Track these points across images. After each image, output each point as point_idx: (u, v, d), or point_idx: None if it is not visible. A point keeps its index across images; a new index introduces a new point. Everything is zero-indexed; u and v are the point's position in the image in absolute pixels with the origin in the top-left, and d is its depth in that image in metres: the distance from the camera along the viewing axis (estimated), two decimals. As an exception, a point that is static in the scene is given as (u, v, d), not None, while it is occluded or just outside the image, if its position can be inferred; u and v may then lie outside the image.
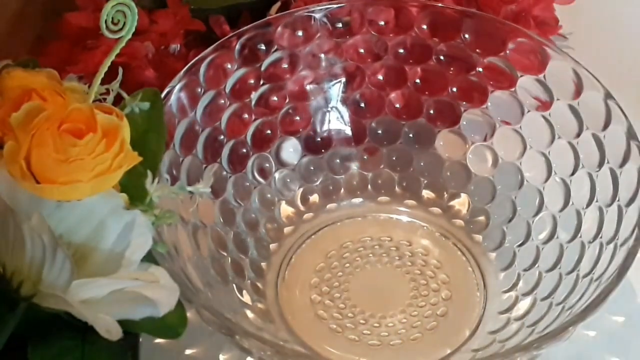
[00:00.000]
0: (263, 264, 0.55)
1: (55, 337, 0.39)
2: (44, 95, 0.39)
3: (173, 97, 0.51)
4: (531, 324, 0.49)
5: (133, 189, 0.39)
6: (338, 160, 0.59)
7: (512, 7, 0.60)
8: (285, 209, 0.57)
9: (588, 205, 0.51)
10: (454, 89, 0.58)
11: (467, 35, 0.56)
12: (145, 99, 0.42)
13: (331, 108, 0.59)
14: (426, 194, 0.58)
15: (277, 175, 0.57)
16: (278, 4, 0.60)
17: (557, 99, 0.54)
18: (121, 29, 0.39)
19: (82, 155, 0.37)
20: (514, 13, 0.59)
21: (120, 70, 0.41)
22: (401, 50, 0.58)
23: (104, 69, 0.40)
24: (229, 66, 0.54)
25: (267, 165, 0.57)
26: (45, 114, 0.37)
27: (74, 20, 0.59)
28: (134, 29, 0.39)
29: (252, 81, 0.56)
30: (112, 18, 0.39)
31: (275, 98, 0.57)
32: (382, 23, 0.57)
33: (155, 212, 0.40)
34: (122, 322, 0.37)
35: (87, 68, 0.53)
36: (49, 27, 0.61)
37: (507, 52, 0.55)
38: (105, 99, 0.41)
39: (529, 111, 0.55)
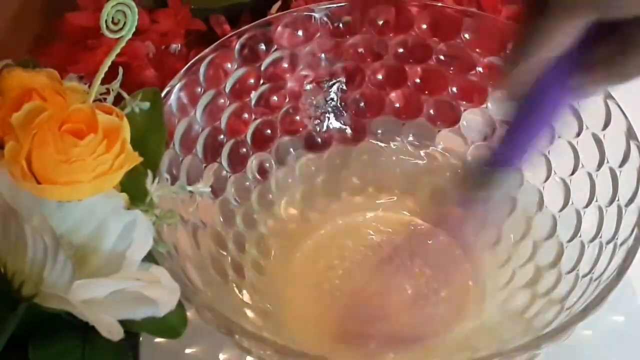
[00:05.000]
0: (263, 263, 0.55)
1: (56, 337, 0.39)
2: (45, 95, 0.39)
3: (173, 97, 0.51)
4: (530, 323, 0.49)
5: (133, 188, 0.39)
6: (338, 161, 0.59)
7: (513, 6, 0.60)
8: (285, 209, 0.57)
9: (588, 205, 0.51)
10: (454, 89, 0.58)
11: (467, 35, 0.56)
12: (145, 98, 0.42)
13: (331, 108, 0.59)
14: (426, 193, 0.58)
15: (277, 175, 0.57)
16: (278, 3, 0.61)
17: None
18: (121, 29, 0.39)
19: (83, 156, 0.37)
20: (515, 13, 0.59)
21: (121, 70, 0.41)
22: (401, 50, 0.58)
23: (104, 68, 0.40)
24: (229, 66, 0.54)
25: (267, 165, 0.57)
26: (46, 114, 0.37)
27: (74, 20, 0.59)
28: (134, 29, 0.39)
29: (252, 81, 0.56)
30: (113, 18, 0.39)
31: (275, 98, 0.57)
32: (382, 23, 0.57)
33: (155, 212, 0.40)
34: (123, 322, 0.37)
35: (88, 68, 0.54)
36: (50, 27, 0.61)
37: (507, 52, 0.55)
38: (105, 99, 0.40)
39: (528, 111, 0.55)
